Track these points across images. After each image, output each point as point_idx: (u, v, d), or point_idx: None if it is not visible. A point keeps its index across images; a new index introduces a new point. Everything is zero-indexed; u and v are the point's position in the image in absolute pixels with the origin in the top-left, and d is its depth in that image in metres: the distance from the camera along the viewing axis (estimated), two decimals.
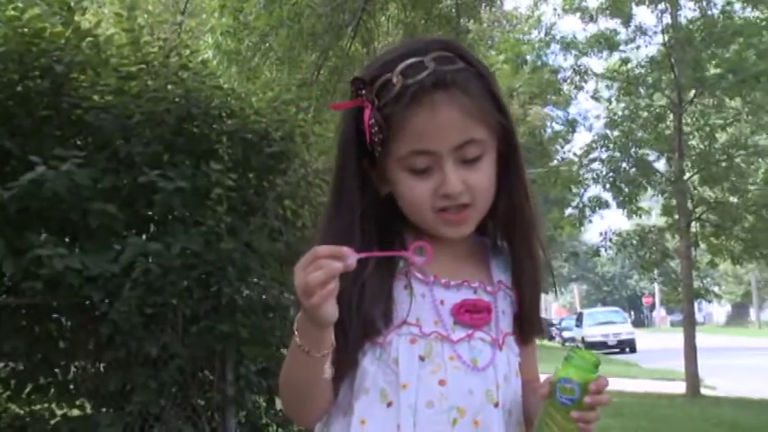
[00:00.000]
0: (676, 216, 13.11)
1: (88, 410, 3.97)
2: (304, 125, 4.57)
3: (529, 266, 1.33)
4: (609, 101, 14.98)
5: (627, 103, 14.33)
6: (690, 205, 12.89)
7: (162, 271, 3.62)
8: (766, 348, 23.03)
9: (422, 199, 1.23)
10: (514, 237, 1.33)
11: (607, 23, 13.74)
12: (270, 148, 4.17)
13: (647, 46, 13.75)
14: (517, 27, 16.15)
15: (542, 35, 14.08)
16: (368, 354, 1.23)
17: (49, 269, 3.42)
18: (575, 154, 15.46)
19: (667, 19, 13.10)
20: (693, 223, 12.95)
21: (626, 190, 13.14)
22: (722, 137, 13.86)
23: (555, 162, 16.20)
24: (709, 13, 12.78)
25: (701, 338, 13.96)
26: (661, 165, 14.22)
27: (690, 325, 12.66)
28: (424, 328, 1.24)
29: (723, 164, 13.02)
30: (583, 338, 27.91)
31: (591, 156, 14.00)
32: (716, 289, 19.73)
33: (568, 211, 14.33)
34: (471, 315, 1.27)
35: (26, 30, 3.92)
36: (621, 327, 28.64)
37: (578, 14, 13.69)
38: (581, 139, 71.00)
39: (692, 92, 12.95)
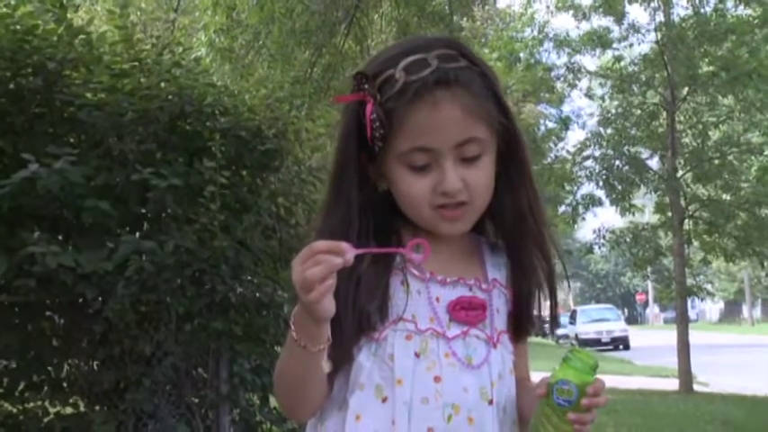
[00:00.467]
0: (669, 213, 13.13)
1: (82, 408, 3.95)
2: (297, 122, 4.56)
3: (539, 268, 1.33)
4: (602, 98, 14.96)
5: (620, 100, 14.31)
6: (683, 203, 12.92)
7: (155, 269, 3.61)
8: (758, 345, 23.17)
9: (420, 195, 1.23)
10: (519, 238, 1.32)
11: (600, 21, 13.76)
12: (263, 146, 4.16)
13: (640, 44, 13.80)
14: (510, 25, 16.10)
15: (535, 33, 14.08)
16: (363, 349, 1.23)
17: (42, 267, 3.39)
18: (568, 152, 15.48)
19: (660, 17, 13.12)
20: (686, 221, 12.97)
21: (619, 187, 13.14)
22: (715, 134, 13.89)
23: (548, 160, 16.16)
24: (702, 10, 12.78)
25: (694, 335, 14.01)
26: (654, 162, 14.24)
27: (683, 322, 12.68)
28: (419, 325, 1.24)
29: (716, 161, 13.05)
30: (576, 335, 27.99)
31: (584, 153, 14.03)
32: (709, 286, 19.74)
33: (562, 208, 14.32)
34: (467, 312, 1.27)
35: (18, 27, 3.88)
36: (615, 324, 28.70)
37: (571, 12, 13.68)
38: (574, 136, 71.35)
39: (685, 89, 12.98)
